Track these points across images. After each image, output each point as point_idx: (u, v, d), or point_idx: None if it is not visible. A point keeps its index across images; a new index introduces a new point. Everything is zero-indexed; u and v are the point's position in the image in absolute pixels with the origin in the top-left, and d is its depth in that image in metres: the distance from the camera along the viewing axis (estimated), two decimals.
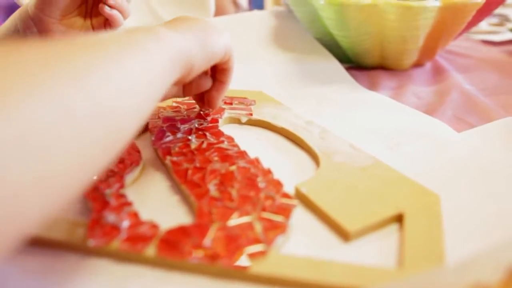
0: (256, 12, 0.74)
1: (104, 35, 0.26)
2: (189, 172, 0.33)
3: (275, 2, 1.55)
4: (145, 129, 0.43)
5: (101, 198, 0.30)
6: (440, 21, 0.54)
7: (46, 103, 0.18)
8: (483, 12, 0.59)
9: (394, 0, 0.51)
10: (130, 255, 0.26)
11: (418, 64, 0.62)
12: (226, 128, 0.42)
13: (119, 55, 0.24)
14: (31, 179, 0.17)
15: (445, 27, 0.55)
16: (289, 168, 0.36)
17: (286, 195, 0.30)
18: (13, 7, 1.74)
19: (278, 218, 0.28)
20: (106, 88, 0.22)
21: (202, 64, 0.34)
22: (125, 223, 0.28)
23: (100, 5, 0.45)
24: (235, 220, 0.28)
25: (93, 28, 0.48)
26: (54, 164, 0.18)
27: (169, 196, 0.33)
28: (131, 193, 0.32)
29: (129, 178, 0.34)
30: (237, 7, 0.98)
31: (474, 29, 0.79)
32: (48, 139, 0.18)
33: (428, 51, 0.60)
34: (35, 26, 0.46)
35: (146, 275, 0.25)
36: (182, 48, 0.30)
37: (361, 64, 0.62)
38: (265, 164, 0.34)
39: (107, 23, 0.47)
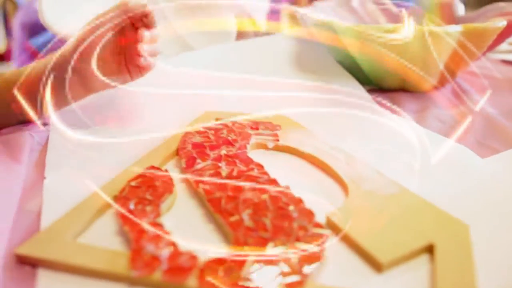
0: (277, 36, 0.75)
1: None
2: (223, 201, 0.34)
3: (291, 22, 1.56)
4: (175, 153, 0.44)
5: (139, 228, 0.31)
6: (461, 45, 0.55)
7: None
8: (504, 35, 0.59)
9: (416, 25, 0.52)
10: (172, 286, 0.27)
11: (438, 86, 0.63)
12: (253, 154, 0.43)
13: None
14: None
15: (466, 51, 0.56)
16: (318, 195, 0.37)
17: (318, 225, 0.31)
18: (36, 25, 1.78)
19: (312, 248, 0.29)
20: None
21: None
22: (165, 254, 0.29)
23: (136, 58, 0.48)
24: (270, 251, 0.29)
25: (130, 73, 0.50)
26: None
27: (203, 224, 0.34)
28: (167, 221, 0.33)
29: (163, 206, 0.35)
30: (254, 25, 0.99)
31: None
32: None
33: (449, 73, 0.60)
34: (72, 73, 0.48)
35: None
36: None
37: (382, 86, 0.63)
38: (295, 191, 0.35)
39: (142, 69, 0.50)
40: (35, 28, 1.73)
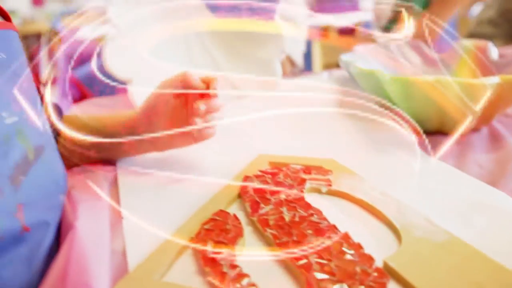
0: (320, 77, 0.80)
1: None
2: (290, 245, 0.38)
3: (325, 62, 1.62)
4: (237, 196, 0.49)
5: (219, 269, 0.36)
6: (499, 93, 0.58)
7: None
8: None
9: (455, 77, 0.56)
10: None
11: (475, 129, 0.67)
12: (309, 198, 0.47)
13: None
14: None
15: (503, 98, 0.59)
16: (373, 240, 0.41)
17: (379, 270, 0.35)
18: (79, 56, 1.87)
19: None
20: None
21: None
22: None
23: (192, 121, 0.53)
24: None
25: (193, 138, 0.55)
26: None
27: (273, 266, 0.38)
28: (241, 263, 0.37)
29: (237, 248, 0.39)
30: (293, 65, 1.05)
31: None
32: None
33: (486, 117, 0.64)
34: (138, 130, 0.55)
35: None
36: None
37: (421, 129, 0.66)
38: (352, 236, 0.39)
39: (201, 136, 0.55)
40: (78, 60, 1.83)
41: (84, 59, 1.83)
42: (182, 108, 0.55)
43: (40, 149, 0.42)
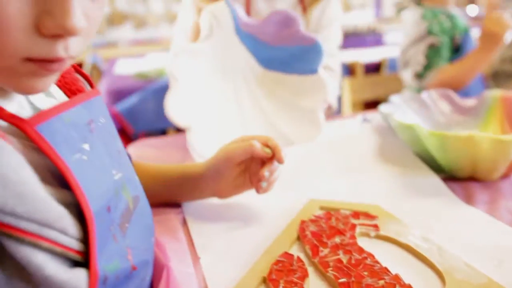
0: (361, 127, 0.87)
1: None
2: (350, 285, 0.45)
3: (353, 107, 1.70)
4: (296, 239, 0.56)
5: None
6: None
7: None
8: None
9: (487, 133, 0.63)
10: None
11: (505, 175, 0.73)
12: (360, 242, 0.54)
13: None
14: None
15: None
16: (419, 282, 0.48)
17: None
18: (120, 91, 1.98)
19: None
20: None
21: None
22: None
23: (256, 188, 0.61)
24: None
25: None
26: None
27: None
28: None
29: (305, 287, 0.46)
30: (329, 108, 1.13)
31: None
32: None
33: None
34: (202, 186, 0.63)
35: None
36: None
37: (453, 175, 0.73)
38: (402, 278, 0.46)
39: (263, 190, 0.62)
40: (119, 94, 1.95)
41: (123, 93, 1.95)
42: (247, 172, 0.63)
43: (137, 198, 0.50)
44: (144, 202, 0.52)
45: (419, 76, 1.36)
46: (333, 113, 1.15)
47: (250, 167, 0.63)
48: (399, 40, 1.52)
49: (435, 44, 1.32)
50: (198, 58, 0.82)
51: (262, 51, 0.87)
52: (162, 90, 1.42)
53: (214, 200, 0.68)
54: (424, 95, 0.89)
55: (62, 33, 0.32)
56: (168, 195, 0.66)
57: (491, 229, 0.58)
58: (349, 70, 1.97)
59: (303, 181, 0.73)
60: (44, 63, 0.34)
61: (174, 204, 0.67)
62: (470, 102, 0.89)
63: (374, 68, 2.04)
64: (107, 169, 0.45)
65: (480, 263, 0.50)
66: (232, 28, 0.83)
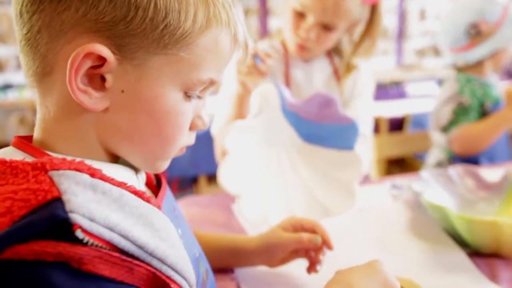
0: (390, 197, 0.96)
1: None
2: None
3: (378, 164, 1.77)
4: None
5: None
6: None
7: None
8: None
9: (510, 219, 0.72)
10: None
11: None
12: None
13: None
14: None
15: None
16: None
17: None
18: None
19: None
20: None
21: None
22: None
23: (311, 270, 0.69)
24: None
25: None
26: None
27: None
28: None
29: None
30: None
31: None
32: None
33: None
34: (253, 259, 0.72)
35: None
36: None
37: (478, 251, 0.81)
38: None
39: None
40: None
41: None
42: (298, 254, 0.71)
43: (208, 271, 0.59)
44: (211, 273, 0.60)
45: (444, 130, 1.42)
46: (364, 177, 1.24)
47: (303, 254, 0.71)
48: (421, 92, 1.58)
49: (464, 103, 1.39)
50: (248, 132, 0.92)
51: (303, 127, 0.97)
52: (198, 138, 1.52)
53: (266, 268, 0.76)
54: (451, 171, 0.97)
55: (204, 128, 0.50)
56: (220, 263, 0.74)
57: None
58: (373, 127, 2.06)
59: (342, 252, 0.82)
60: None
61: (227, 269, 0.76)
62: (494, 177, 0.96)
63: (398, 124, 2.13)
64: (192, 250, 0.54)
65: None
66: (279, 107, 0.94)
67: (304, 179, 0.97)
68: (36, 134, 0.44)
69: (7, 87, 3.33)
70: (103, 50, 0.38)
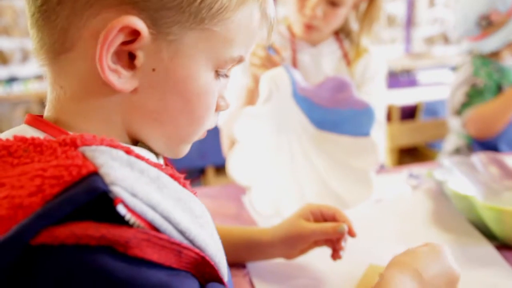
0: (412, 184, 0.91)
1: None
2: None
3: (390, 153, 1.72)
4: None
5: None
6: None
7: None
8: None
9: None
10: None
11: None
12: None
13: None
14: None
15: None
16: None
17: None
18: None
19: None
20: None
21: None
22: None
23: (335, 256, 0.65)
24: None
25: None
26: None
27: None
28: None
29: None
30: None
31: None
32: None
33: None
34: (270, 251, 0.67)
35: None
36: None
37: (507, 243, 0.75)
38: None
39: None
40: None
41: None
42: (319, 243, 0.67)
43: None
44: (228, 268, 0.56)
45: (458, 113, 1.38)
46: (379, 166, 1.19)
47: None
48: (433, 80, 1.55)
49: (478, 85, 1.34)
50: (258, 120, 0.87)
51: (316, 113, 0.92)
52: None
53: (279, 262, 0.72)
54: (474, 159, 0.92)
55: (226, 109, 0.46)
56: (234, 256, 0.70)
57: None
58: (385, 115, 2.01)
59: (360, 244, 0.77)
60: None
61: (238, 265, 0.71)
62: None
63: (409, 112, 2.07)
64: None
65: None
66: (290, 92, 0.89)
67: (318, 168, 0.92)
68: (49, 113, 0.40)
69: (12, 80, 3.30)
70: (139, 24, 0.34)
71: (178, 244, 0.33)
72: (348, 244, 0.76)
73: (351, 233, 0.63)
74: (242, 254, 0.69)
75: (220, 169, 1.91)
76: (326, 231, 0.63)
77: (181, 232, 0.34)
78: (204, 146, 1.82)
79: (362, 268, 0.69)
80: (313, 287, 0.66)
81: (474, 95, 1.35)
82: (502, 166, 0.91)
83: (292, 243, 0.65)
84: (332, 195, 0.87)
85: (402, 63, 3.39)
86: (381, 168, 1.18)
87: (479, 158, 0.92)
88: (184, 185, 0.39)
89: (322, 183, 0.90)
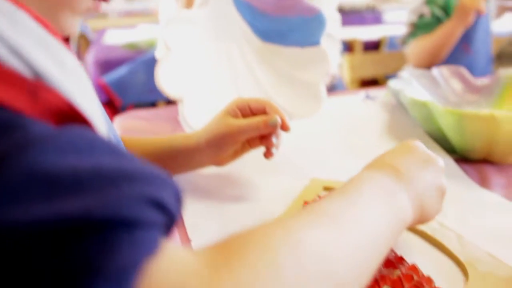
0: (367, 102, 0.82)
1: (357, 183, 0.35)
2: None
3: (351, 84, 1.64)
4: None
5: None
6: None
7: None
8: None
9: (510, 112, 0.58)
10: None
11: None
12: None
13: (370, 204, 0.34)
14: None
15: None
16: (439, 274, 0.43)
17: None
18: (108, 62, 1.90)
19: None
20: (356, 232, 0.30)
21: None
22: None
23: (267, 155, 0.55)
24: None
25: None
26: None
27: None
28: None
29: None
30: (330, 78, 1.07)
31: None
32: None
33: None
34: (199, 158, 0.56)
35: None
36: (406, 217, 0.37)
37: (466, 157, 0.68)
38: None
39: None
40: (107, 65, 1.87)
41: (112, 64, 1.87)
42: (251, 144, 0.57)
43: None
44: None
45: (403, 42, 1.37)
46: (335, 83, 1.10)
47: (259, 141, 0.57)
48: (399, 19, 1.49)
49: (425, 16, 1.32)
50: (192, 26, 0.75)
51: (260, 22, 0.80)
52: (153, 62, 1.35)
53: (207, 177, 0.62)
54: (435, 71, 0.83)
55: None
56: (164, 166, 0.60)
57: (509, 214, 0.53)
58: (347, 47, 1.91)
59: (303, 159, 0.68)
60: None
61: None
62: (483, 80, 0.83)
63: (373, 46, 1.97)
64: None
65: (504, 254, 0.45)
66: None
67: (262, 83, 0.81)
68: None
69: None
70: None
71: (34, 84, 0.23)
72: (289, 157, 0.67)
73: (284, 127, 0.53)
74: (167, 165, 0.59)
75: (173, 103, 1.79)
76: (256, 126, 0.53)
77: (39, 74, 0.24)
78: (152, 79, 1.68)
79: (302, 183, 0.60)
80: (245, 203, 0.56)
81: (419, 26, 1.33)
82: (464, 79, 0.83)
83: (219, 144, 0.55)
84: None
85: (367, 0, 3.27)
86: (341, 90, 1.09)
87: (440, 71, 0.83)
88: (55, 34, 0.28)
89: (266, 98, 0.80)
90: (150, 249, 0.21)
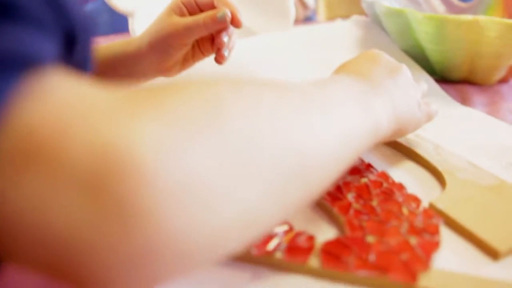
0: (340, 22, 0.74)
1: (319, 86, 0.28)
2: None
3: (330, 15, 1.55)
4: None
5: None
6: None
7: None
8: None
9: (495, 17, 0.51)
10: (291, 266, 0.27)
11: (503, 80, 0.62)
12: None
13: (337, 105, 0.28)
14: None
15: None
16: (412, 182, 0.37)
17: (428, 211, 0.31)
18: None
19: (428, 235, 0.29)
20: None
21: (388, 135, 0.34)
22: (281, 231, 0.29)
23: (218, 58, 0.47)
24: (391, 236, 0.28)
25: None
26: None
27: (310, 211, 0.34)
28: None
29: None
30: (305, 8, 0.99)
31: None
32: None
33: None
34: (144, 64, 0.48)
35: (312, 285, 0.26)
36: (380, 125, 0.31)
37: (446, 78, 0.62)
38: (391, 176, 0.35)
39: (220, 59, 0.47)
40: None
41: None
42: (202, 50, 0.49)
43: None
44: None
45: None
46: (310, 15, 1.02)
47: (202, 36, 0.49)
48: None
49: None
50: None
51: None
52: None
53: None
54: None
55: None
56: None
57: (494, 129, 0.48)
58: None
59: (271, 74, 0.60)
60: None
61: None
62: (466, 2, 0.76)
63: None
64: None
65: (485, 164, 0.39)
66: None
67: None
68: None
69: None
70: None
71: None
72: (254, 71, 0.60)
73: (235, 22, 0.45)
74: (106, 75, 0.50)
75: None
76: (203, 22, 0.44)
77: None
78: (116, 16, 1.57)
79: None
80: None
81: None
82: (446, 1, 0.76)
83: (164, 47, 0.46)
84: (245, 33, 0.69)
85: None
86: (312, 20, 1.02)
87: None
88: None
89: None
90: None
